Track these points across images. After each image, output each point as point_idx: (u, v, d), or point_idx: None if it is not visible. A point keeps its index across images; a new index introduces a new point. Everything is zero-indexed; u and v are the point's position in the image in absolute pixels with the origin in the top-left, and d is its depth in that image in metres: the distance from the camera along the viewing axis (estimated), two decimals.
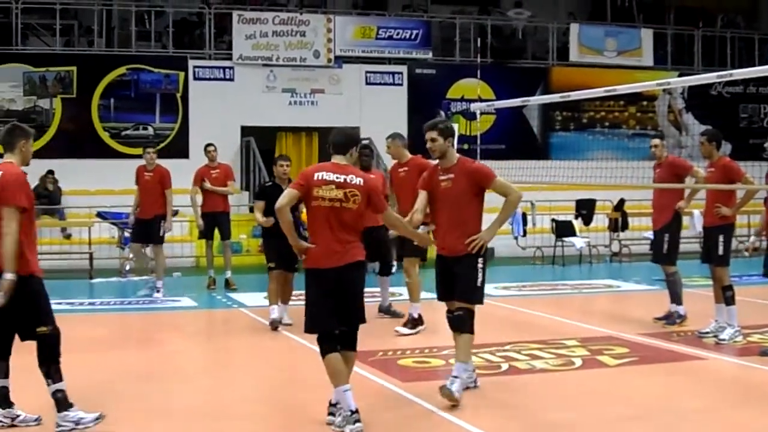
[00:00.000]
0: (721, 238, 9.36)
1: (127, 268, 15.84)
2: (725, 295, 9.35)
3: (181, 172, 15.26)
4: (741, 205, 9.51)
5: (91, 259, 16.18)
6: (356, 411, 5.93)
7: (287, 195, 6.25)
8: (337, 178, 6.14)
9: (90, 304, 12.95)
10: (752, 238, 11.52)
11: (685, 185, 10.07)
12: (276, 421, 6.55)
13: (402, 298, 11.11)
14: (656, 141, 10.60)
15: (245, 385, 7.75)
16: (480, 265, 6.90)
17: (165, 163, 13.88)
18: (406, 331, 9.91)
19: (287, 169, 10.76)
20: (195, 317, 12.18)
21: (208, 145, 14.42)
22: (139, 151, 19.05)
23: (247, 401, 7.04)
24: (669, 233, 10.14)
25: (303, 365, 8.45)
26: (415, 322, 10.00)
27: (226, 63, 20.06)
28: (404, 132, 19.03)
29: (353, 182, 6.15)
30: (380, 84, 20.95)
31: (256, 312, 11.47)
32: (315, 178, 6.17)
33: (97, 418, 6.00)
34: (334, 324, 6.13)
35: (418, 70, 21.19)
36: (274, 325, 10.21)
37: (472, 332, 6.92)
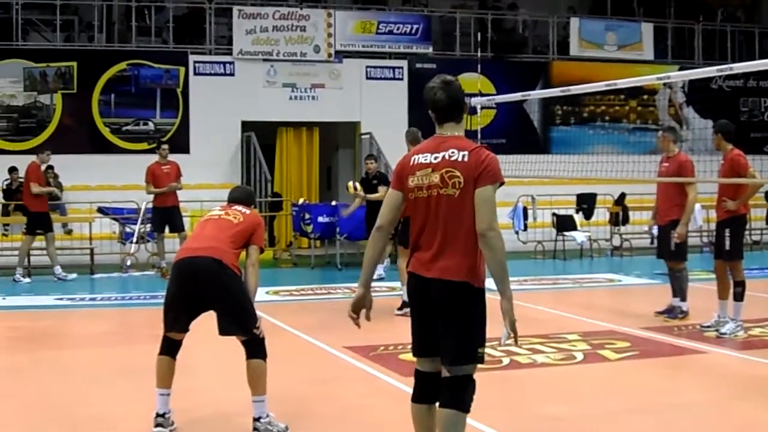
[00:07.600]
0: (726, 233, 9.22)
1: (128, 263, 15.85)
2: (735, 290, 9.19)
3: (182, 167, 15.46)
4: (744, 199, 9.26)
5: (92, 254, 16.18)
6: (161, 414, 5.89)
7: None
8: None
9: (91, 299, 12.96)
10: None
11: (687, 179, 9.91)
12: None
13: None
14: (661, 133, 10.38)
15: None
16: None
17: None
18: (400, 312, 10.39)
19: (372, 167, 13.70)
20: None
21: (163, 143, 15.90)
22: (139, 146, 19.28)
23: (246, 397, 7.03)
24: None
25: (307, 361, 8.48)
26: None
27: (227, 58, 20.04)
28: (404, 126, 19.32)
29: None
30: (380, 79, 20.94)
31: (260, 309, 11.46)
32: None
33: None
34: (180, 325, 6.05)
35: (418, 65, 21.15)
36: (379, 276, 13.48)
37: None
